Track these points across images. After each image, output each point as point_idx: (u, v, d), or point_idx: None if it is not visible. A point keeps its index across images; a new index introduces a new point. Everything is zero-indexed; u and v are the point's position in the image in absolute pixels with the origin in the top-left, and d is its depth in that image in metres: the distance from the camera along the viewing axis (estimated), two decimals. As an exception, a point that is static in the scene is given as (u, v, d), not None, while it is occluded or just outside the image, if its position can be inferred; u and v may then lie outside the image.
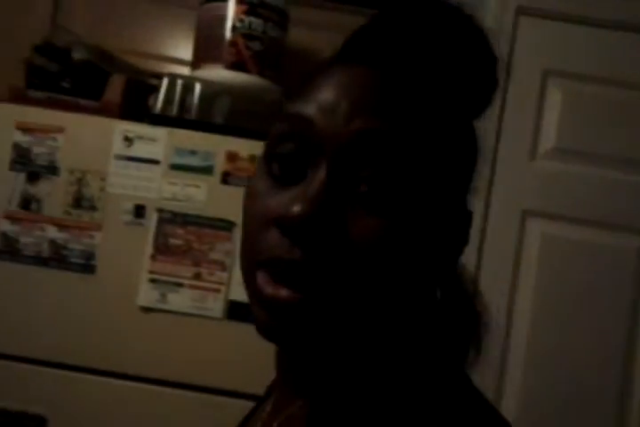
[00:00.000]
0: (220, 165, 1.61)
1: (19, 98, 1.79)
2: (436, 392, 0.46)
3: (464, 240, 0.52)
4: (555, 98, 1.69)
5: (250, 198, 0.49)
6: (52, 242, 1.62)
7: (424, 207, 0.46)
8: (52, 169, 1.63)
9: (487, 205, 1.67)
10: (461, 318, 0.52)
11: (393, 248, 0.45)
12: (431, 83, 0.47)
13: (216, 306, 1.58)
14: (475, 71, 0.50)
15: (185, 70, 1.97)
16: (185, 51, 2.24)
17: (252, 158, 1.60)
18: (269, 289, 0.45)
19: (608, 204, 1.65)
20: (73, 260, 1.61)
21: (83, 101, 1.79)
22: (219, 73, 1.69)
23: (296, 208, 0.43)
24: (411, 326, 0.50)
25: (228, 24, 1.71)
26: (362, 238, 0.44)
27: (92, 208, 1.62)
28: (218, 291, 1.59)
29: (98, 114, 1.71)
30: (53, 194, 1.63)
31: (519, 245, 1.66)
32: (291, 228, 0.43)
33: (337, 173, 0.45)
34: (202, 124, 1.61)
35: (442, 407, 0.45)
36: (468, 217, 0.52)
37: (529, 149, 1.69)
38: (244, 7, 1.70)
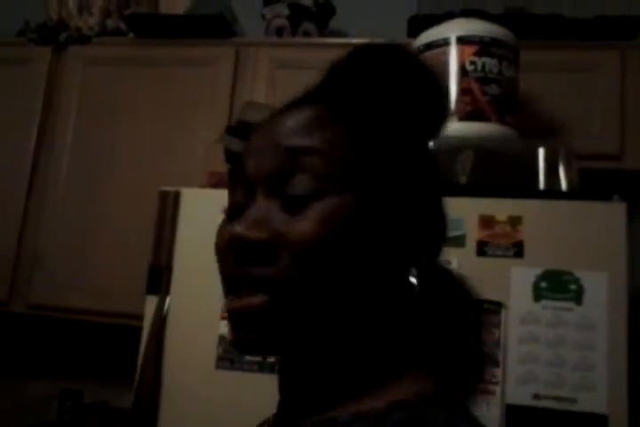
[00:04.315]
0: (473, 232, 1.32)
1: (219, 184, 1.63)
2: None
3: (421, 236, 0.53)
4: None
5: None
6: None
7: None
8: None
9: None
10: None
11: (328, 245, 0.48)
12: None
13: (491, 412, 1.24)
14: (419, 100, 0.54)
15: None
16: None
17: (513, 221, 1.31)
18: (229, 305, 0.50)
19: None
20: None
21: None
22: (452, 126, 1.44)
23: (236, 227, 0.49)
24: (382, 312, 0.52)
25: (454, 69, 1.47)
26: (294, 240, 0.47)
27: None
28: (492, 393, 1.25)
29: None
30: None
31: None
32: (234, 245, 0.49)
33: (268, 195, 0.50)
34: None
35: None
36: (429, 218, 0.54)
37: None
38: (473, 48, 1.46)
